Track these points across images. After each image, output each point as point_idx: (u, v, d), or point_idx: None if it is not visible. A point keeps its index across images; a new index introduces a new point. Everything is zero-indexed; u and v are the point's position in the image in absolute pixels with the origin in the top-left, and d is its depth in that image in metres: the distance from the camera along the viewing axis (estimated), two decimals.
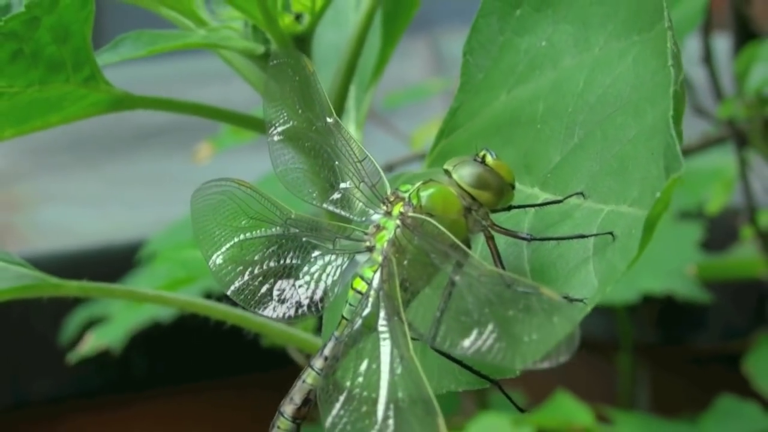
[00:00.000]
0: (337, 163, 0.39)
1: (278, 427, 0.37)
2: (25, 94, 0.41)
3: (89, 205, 1.18)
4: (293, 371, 0.67)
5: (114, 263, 0.93)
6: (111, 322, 0.85)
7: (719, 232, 0.96)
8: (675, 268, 0.89)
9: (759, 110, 0.73)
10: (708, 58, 0.76)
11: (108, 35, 0.45)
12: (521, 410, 0.44)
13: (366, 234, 0.37)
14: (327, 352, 0.36)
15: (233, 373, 1.03)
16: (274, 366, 0.86)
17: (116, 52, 0.44)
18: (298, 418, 0.37)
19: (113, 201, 1.20)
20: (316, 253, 0.38)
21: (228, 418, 1.03)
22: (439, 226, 0.35)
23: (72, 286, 0.47)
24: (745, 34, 0.78)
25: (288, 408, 0.37)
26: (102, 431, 1.01)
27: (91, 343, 0.84)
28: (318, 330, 0.42)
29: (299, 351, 0.62)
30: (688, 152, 0.76)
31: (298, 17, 0.46)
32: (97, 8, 0.41)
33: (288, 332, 0.50)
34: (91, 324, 0.89)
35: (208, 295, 0.76)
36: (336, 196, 0.39)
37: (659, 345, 1.01)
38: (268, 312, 0.39)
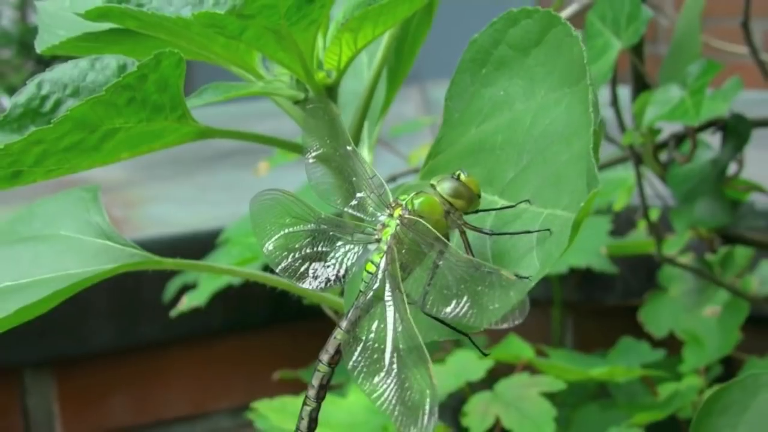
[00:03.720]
0: (354, 179, 0.39)
1: (318, 370, 0.36)
2: (136, 128, 0.40)
3: (183, 204, 1.17)
4: (325, 320, 0.67)
5: (200, 245, 0.93)
6: (198, 288, 0.84)
7: (622, 223, 0.96)
8: (592, 249, 0.89)
9: (650, 139, 0.72)
10: (615, 101, 0.75)
11: (195, 85, 0.44)
12: (484, 354, 0.44)
13: (375, 230, 0.36)
14: (350, 315, 0.36)
15: (284, 320, 1.03)
16: (312, 316, 0.86)
17: (201, 98, 0.43)
18: (332, 364, 0.36)
19: (200, 201, 1.19)
20: (339, 243, 0.38)
21: (280, 349, 1.02)
22: (427, 225, 0.35)
23: (169, 262, 0.47)
24: (640, 86, 0.77)
25: (324, 357, 0.36)
26: (191, 361, 1.01)
27: (185, 304, 0.84)
28: (341, 294, 0.42)
29: (329, 307, 0.61)
30: (601, 167, 0.76)
31: (328, 73, 0.45)
32: (187, 67, 0.41)
33: (321, 295, 0.49)
34: (184, 288, 0.88)
35: (266, 268, 0.75)
36: (354, 202, 0.38)
37: (581, 302, 1.01)
38: (306, 285, 0.38)
